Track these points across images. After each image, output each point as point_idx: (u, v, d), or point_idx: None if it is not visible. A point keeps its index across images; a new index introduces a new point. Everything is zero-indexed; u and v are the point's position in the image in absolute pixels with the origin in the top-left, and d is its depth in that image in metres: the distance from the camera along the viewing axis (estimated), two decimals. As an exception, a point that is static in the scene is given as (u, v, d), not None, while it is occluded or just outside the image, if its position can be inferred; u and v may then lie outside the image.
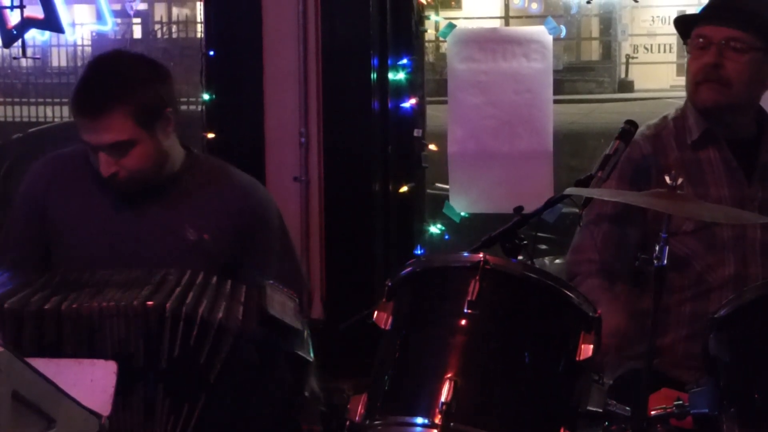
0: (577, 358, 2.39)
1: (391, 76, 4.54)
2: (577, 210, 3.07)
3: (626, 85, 23.64)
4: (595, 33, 25.65)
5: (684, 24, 3.22)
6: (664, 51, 25.57)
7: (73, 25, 5.78)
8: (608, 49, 25.04)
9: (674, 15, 25.39)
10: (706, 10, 3.17)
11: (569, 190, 2.86)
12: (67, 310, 2.61)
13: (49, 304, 2.63)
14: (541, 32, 4.60)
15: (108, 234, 3.04)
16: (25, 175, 3.21)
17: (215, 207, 3.07)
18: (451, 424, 2.24)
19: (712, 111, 3.15)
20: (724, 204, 3.09)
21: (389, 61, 4.54)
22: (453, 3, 23.50)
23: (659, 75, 24.26)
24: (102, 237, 3.03)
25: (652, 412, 2.47)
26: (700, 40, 3.11)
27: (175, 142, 3.09)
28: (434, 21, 5.07)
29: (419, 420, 2.28)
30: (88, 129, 2.95)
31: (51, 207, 3.11)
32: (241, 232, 3.08)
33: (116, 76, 2.99)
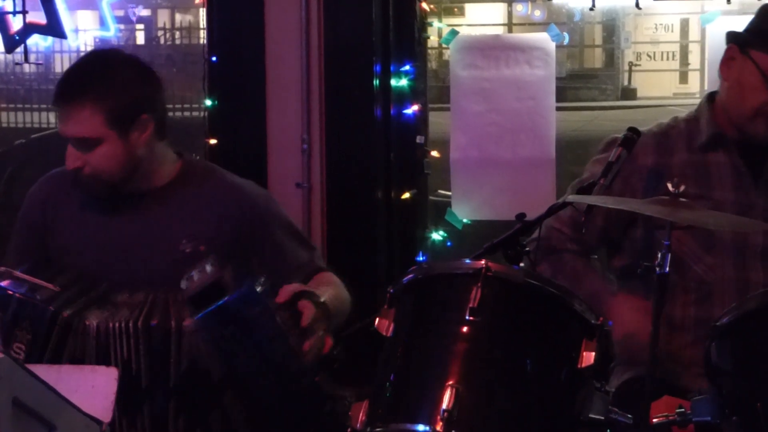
0: (579, 366, 2.39)
1: (393, 82, 4.54)
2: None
3: (629, 93, 23.65)
4: (598, 40, 25.67)
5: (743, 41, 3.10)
6: (667, 59, 25.57)
7: (76, 30, 5.77)
8: (611, 57, 25.06)
9: (677, 23, 25.47)
10: None
11: (571, 198, 2.86)
12: (92, 324, 2.69)
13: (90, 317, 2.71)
14: (544, 39, 4.60)
15: (104, 249, 3.01)
16: (23, 200, 3.19)
17: (211, 212, 3.04)
18: (453, 431, 2.24)
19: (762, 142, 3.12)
20: (727, 207, 3.07)
21: (392, 68, 4.53)
22: (456, 10, 23.51)
23: (662, 82, 24.27)
24: (98, 252, 3.01)
25: (654, 420, 2.47)
26: None
27: (161, 151, 3.04)
28: (437, 28, 5.06)
29: (420, 427, 2.27)
30: (60, 117, 2.95)
31: (49, 229, 3.10)
32: (244, 232, 3.05)
33: (97, 71, 2.98)
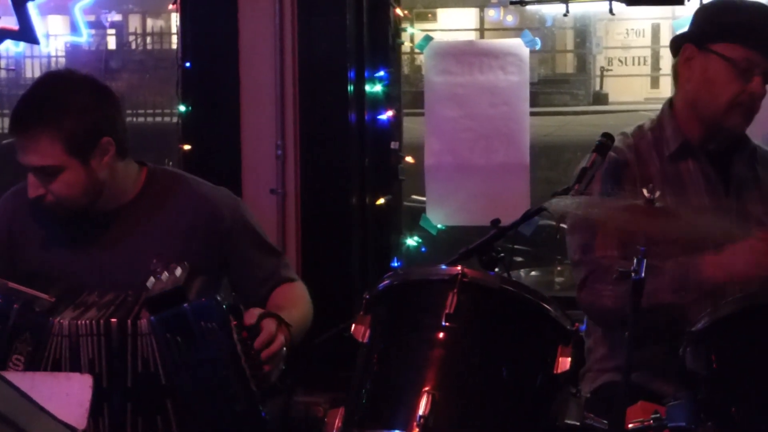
0: (555, 372, 2.40)
1: (368, 88, 4.54)
2: (553, 223, 3.07)
3: (601, 98, 23.71)
4: (570, 45, 25.73)
5: (701, 39, 3.10)
6: (639, 64, 25.66)
7: (48, 36, 5.74)
8: (583, 62, 25.12)
9: (648, 28, 25.57)
10: (753, 33, 3.02)
11: (548, 204, 2.86)
12: (64, 323, 2.68)
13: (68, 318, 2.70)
14: (517, 45, 4.61)
15: (73, 276, 2.98)
16: None
17: (180, 227, 3.03)
18: (429, 437, 2.24)
19: (736, 134, 3.12)
20: (704, 213, 3.06)
21: (366, 74, 4.54)
22: (429, 15, 23.53)
23: (634, 87, 24.34)
24: (68, 279, 2.98)
25: (630, 425, 2.47)
26: (746, 63, 3.00)
27: (123, 169, 3.01)
28: (410, 33, 5.06)
29: (397, 434, 2.28)
30: (18, 147, 2.89)
31: (16, 250, 3.06)
32: (212, 245, 3.05)
33: (51, 99, 2.92)
